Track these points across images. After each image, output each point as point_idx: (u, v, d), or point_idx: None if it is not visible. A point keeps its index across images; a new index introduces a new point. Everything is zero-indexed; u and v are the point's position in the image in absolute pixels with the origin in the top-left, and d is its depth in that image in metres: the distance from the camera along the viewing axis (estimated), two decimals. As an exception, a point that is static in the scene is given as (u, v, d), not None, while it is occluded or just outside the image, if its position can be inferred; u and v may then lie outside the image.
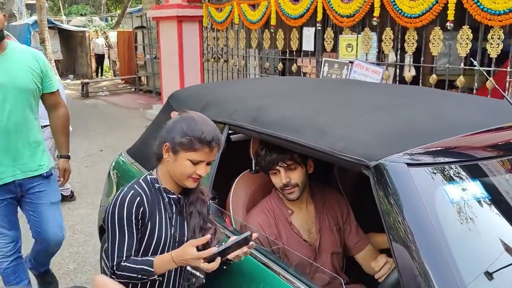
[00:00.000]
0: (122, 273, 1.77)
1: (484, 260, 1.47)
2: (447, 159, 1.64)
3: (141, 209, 1.78)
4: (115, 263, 1.77)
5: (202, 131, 1.76)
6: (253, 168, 2.46)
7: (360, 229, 2.33)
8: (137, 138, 3.19)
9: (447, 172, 1.60)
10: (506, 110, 2.02)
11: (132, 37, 15.25)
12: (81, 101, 13.39)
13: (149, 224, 1.81)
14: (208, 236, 1.74)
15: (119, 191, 1.85)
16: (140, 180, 1.88)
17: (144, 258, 1.79)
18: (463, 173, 1.61)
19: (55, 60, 16.38)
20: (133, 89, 15.45)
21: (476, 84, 4.72)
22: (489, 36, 4.43)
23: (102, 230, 3.16)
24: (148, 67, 14.29)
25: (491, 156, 1.70)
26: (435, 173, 1.58)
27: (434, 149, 1.67)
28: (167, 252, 1.84)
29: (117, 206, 1.78)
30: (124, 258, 1.77)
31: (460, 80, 4.73)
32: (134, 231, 1.78)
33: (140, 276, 1.77)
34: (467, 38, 4.60)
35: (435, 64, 5.02)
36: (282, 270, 1.81)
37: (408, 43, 5.10)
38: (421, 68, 5.16)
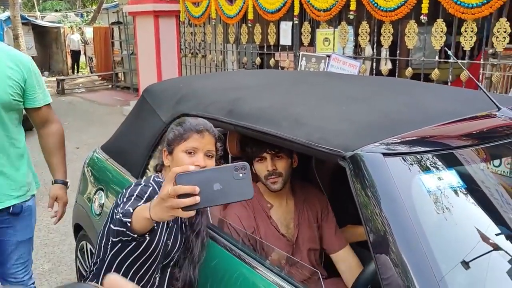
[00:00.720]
0: (119, 219, 1.49)
1: (461, 250, 1.47)
2: (423, 149, 1.63)
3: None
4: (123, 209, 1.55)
5: (188, 121, 1.83)
6: (230, 162, 2.44)
7: (338, 230, 2.31)
8: (113, 135, 3.11)
9: (423, 161, 1.59)
10: (480, 100, 2.03)
11: (109, 33, 15.05)
12: (56, 98, 13.10)
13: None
14: (192, 166, 1.30)
15: (128, 186, 1.82)
16: (151, 181, 1.84)
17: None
18: (439, 162, 1.60)
19: (29, 57, 16.14)
20: (110, 86, 15.26)
21: (450, 77, 4.80)
22: (462, 29, 4.50)
23: (77, 229, 3.10)
24: (125, 63, 14.12)
25: (467, 145, 1.70)
26: (411, 163, 1.57)
27: (410, 138, 1.66)
28: (156, 259, 1.80)
29: (128, 190, 1.74)
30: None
31: (435, 73, 4.81)
32: (142, 202, 1.65)
33: (118, 220, 1.49)
34: (441, 32, 4.67)
35: (410, 57, 5.07)
36: (259, 264, 1.79)
37: (384, 37, 5.14)
38: (397, 62, 5.21)
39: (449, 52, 1.94)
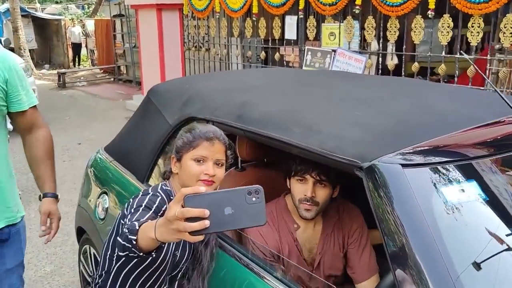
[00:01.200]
0: (125, 235, 1.41)
1: (486, 268, 1.39)
2: (443, 159, 1.56)
3: (163, 209, 1.64)
4: (131, 222, 1.46)
5: (198, 128, 1.77)
6: (239, 166, 2.37)
7: (373, 256, 2.05)
8: (117, 130, 3.01)
9: (444, 173, 1.52)
10: (496, 103, 1.95)
11: (111, 26, 14.93)
12: (57, 92, 13.05)
13: None
14: (203, 187, 1.15)
15: (135, 195, 1.75)
16: (159, 189, 1.77)
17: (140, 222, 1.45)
18: (461, 173, 1.53)
19: (29, 50, 16.05)
20: (112, 79, 15.16)
21: (457, 72, 4.75)
22: (469, 25, 4.45)
23: (79, 232, 3.04)
24: (127, 56, 14.02)
25: (489, 154, 1.63)
26: (431, 175, 1.50)
27: (429, 148, 1.59)
28: (164, 271, 1.74)
29: (136, 201, 1.67)
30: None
31: (442, 68, 4.75)
32: (151, 213, 1.60)
33: (124, 235, 1.42)
34: (448, 27, 4.60)
35: (416, 52, 5.01)
36: (268, 274, 1.72)
37: (390, 32, 5.08)
38: (403, 57, 5.14)
39: (464, 54, 1.86)
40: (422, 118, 1.80)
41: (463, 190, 1.50)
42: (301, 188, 1.94)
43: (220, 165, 1.75)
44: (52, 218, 2.11)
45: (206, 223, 1.08)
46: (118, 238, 1.47)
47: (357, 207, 2.15)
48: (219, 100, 2.25)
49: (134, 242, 1.35)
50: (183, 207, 1.10)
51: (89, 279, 2.90)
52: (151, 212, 1.60)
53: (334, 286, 1.84)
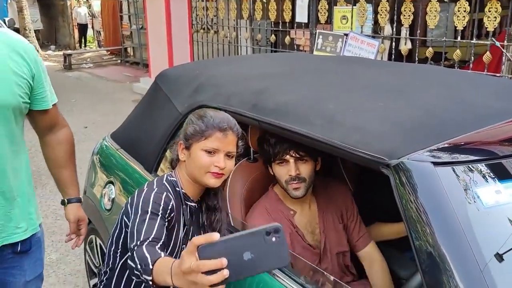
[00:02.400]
0: (133, 257, 1.38)
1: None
2: (478, 157, 1.44)
3: (170, 206, 1.57)
4: (139, 241, 1.41)
5: (211, 116, 1.64)
6: (251, 157, 2.26)
7: (363, 225, 2.15)
8: (124, 113, 2.88)
9: (479, 172, 1.40)
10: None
11: (117, 6, 14.71)
12: (63, 73, 12.91)
13: (170, 228, 1.60)
14: (217, 234, 1.07)
15: (140, 189, 1.62)
16: (164, 181, 1.67)
17: (157, 251, 1.39)
18: (498, 172, 1.41)
19: (35, 30, 15.89)
20: (119, 61, 14.98)
21: (472, 57, 4.61)
22: (486, 9, 4.29)
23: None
24: (134, 37, 13.81)
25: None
26: (465, 174, 1.39)
27: (463, 144, 1.48)
28: None
29: (141, 200, 1.55)
30: (151, 241, 1.42)
31: (456, 54, 4.60)
32: (159, 221, 1.50)
33: (137, 270, 1.35)
34: (464, 11, 4.44)
35: (431, 36, 4.87)
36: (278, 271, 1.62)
37: (404, 16, 4.92)
38: (417, 41, 4.99)
39: (497, 43, 1.72)
40: (454, 111, 1.68)
41: (499, 191, 1.39)
42: (284, 170, 1.94)
43: (231, 157, 1.64)
44: (81, 224, 2.02)
45: (225, 273, 0.98)
46: (129, 261, 1.39)
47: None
48: (233, 88, 2.13)
49: (151, 283, 1.29)
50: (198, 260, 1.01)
51: (95, 270, 2.82)
52: (158, 219, 1.50)
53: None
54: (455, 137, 1.48)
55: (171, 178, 1.69)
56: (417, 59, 4.97)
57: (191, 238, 1.59)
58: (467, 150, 1.47)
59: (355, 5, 5.43)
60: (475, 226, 1.29)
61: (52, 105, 1.83)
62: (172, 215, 1.57)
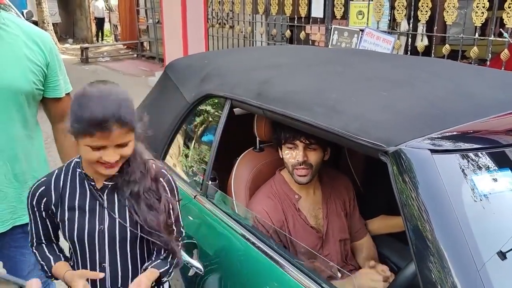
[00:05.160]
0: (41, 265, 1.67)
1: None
2: (476, 145, 1.45)
3: (44, 200, 1.56)
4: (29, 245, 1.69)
5: (90, 111, 1.37)
6: (257, 146, 2.29)
7: (361, 217, 2.23)
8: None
9: (476, 160, 1.41)
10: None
11: (134, 0, 14.83)
12: (80, 66, 13.06)
13: (64, 215, 1.55)
14: (101, 275, 1.53)
15: None
16: (65, 164, 1.62)
17: (49, 256, 1.63)
18: (495, 161, 1.42)
19: (53, 24, 16.07)
20: (135, 55, 15.09)
21: (489, 55, 4.54)
22: (506, 5, 4.22)
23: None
24: (150, 32, 13.92)
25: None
26: (462, 162, 1.40)
27: (461, 133, 1.48)
28: (98, 249, 1.54)
29: (29, 195, 1.59)
30: (34, 244, 1.66)
31: (474, 51, 4.53)
32: (39, 220, 1.60)
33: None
34: (483, 7, 4.38)
35: (448, 33, 4.80)
36: (289, 264, 1.65)
37: (421, 11, 4.86)
38: (433, 38, 4.94)
39: (505, 34, 1.72)
40: (455, 101, 1.68)
41: (495, 179, 1.40)
42: (292, 155, 1.97)
43: (124, 145, 1.45)
44: None
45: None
46: (36, 252, 1.67)
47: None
48: (238, 77, 2.16)
49: (49, 275, 1.63)
50: None
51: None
52: (33, 220, 1.63)
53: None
54: (454, 126, 1.49)
55: (77, 160, 1.60)
56: (433, 56, 4.91)
57: (108, 220, 1.53)
58: (465, 139, 1.48)
59: (371, 0, 5.40)
60: (470, 214, 1.30)
61: (66, 94, 1.90)
62: (50, 205, 1.56)
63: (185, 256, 1.90)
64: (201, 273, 1.92)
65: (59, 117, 1.89)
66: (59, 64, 1.86)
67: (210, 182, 2.13)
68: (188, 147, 2.35)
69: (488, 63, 4.65)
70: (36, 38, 1.76)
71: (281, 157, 2.04)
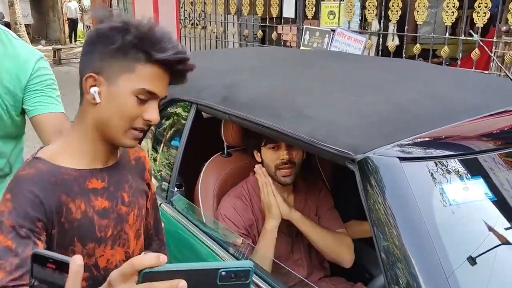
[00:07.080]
0: None
1: (487, 272, 1.26)
2: (446, 152, 1.41)
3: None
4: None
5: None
6: (225, 151, 2.22)
7: (341, 221, 2.11)
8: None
9: (446, 167, 1.37)
10: (508, 89, 1.79)
11: (107, 1, 14.61)
12: (53, 68, 12.40)
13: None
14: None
15: None
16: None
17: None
18: (466, 169, 1.38)
19: (25, 25, 15.73)
20: (108, 56, 14.87)
21: (460, 54, 4.55)
22: (475, 5, 4.23)
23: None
24: (123, 32, 13.73)
25: (498, 147, 1.47)
26: (432, 169, 1.35)
27: (431, 139, 1.44)
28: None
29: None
30: None
31: (445, 51, 4.54)
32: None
33: None
34: (453, 7, 4.39)
35: (418, 33, 4.81)
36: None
37: (392, 11, 4.86)
38: (404, 38, 4.94)
39: (475, 35, 1.69)
40: (426, 105, 1.64)
41: (467, 188, 1.36)
42: (275, 155, 1.93)
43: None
44: None
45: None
46: None
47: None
48: (205, 81, 2.08)
49: None
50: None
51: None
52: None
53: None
54: (424, 131, 1.44)
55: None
56: (405, 56, 4.92)
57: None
58: (436, 145, 1.43)
59: (342, 0, 5.38)
60: (439, 223, 1.26)
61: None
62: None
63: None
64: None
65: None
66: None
67: (175, 189, 2.05)
68: (156, 151, 2.27)
69: (459, 62, 4.68)
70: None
71: (259, 160, 1.99)
